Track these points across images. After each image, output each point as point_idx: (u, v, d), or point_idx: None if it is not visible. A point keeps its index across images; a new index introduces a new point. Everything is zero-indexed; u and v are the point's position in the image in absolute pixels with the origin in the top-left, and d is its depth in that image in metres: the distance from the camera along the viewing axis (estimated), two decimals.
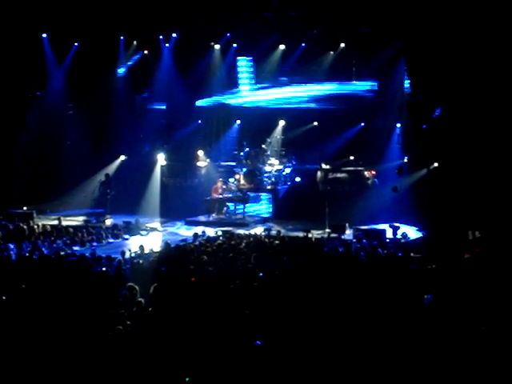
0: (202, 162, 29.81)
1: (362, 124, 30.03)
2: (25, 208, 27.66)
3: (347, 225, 24.56)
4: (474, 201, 23.84)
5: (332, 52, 30.02)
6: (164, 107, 32.47)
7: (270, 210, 28.25)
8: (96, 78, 30.09)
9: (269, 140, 30.03)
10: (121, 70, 31.93)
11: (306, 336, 10.47)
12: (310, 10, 27.74)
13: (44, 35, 29.88)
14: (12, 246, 19.53)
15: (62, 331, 10.74)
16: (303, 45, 30.21)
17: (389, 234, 23.05)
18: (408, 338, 10.41)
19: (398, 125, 28.70)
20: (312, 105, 31.33)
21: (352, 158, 28.87)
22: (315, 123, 30.63)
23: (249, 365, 9.47)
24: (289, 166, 29.60)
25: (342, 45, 29.71)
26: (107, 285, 14.53)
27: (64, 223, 25.11)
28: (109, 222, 26.32)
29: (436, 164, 25.73)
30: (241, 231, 23.54)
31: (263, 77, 31.56)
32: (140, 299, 12.65)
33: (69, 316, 11.57)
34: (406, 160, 27.33)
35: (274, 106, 31.91)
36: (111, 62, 31.04)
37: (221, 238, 21.51)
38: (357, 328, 10.87)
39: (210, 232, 23.65)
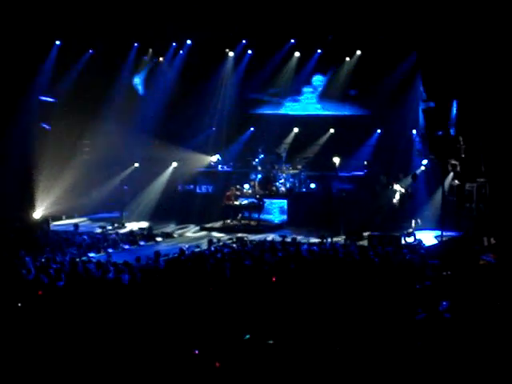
0: (217, 168, 29.85)
1: (379, 131, 29.96)
2: (41, 214, 27.75)
3: (362, 231, 24.53)
4: (489, 207, 23.85)
5: (348, 58, 30.00)
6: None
7: (283, 218, 28.14)
8: (109, 85, 30.19)
9: (284, 147, 30.01)
10: (137, 79, 31.99)
11: (317, 341, 10.47)
12: (325, 16, 27.71)
13: (57, 42, 29.92)
14: (28, 260, 19.41)
15: (81, 338, 10.80)
16: (319, 51, 30.22)
17: (403, 240, 23.01)
18: (422, 343, 10.39)
19: (414, 131, 28.70)
20: (328, 112, 31.32)
21: (365, 163, 28.87)
22: (331, 130, 30.60)
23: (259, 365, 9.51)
24: (304, 173, 29.55)
25: (358, 52, 29.68)
26: (122, 292, 14.53)
27: (79, 229, 25.23)
28: (124, 228, 26.42)
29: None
30: (255, 237, 23.55)
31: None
32: (155, 307, 12.65)
33: (88, 322, 11.62)
34: (424, 162, 27.13)
35: (289, 113, 31.90)
36: (125, 70, 31.08)
37: (235, 244, 21.51)
38: (369, 333, 10.86)
39: (225, 238, 23.68)
